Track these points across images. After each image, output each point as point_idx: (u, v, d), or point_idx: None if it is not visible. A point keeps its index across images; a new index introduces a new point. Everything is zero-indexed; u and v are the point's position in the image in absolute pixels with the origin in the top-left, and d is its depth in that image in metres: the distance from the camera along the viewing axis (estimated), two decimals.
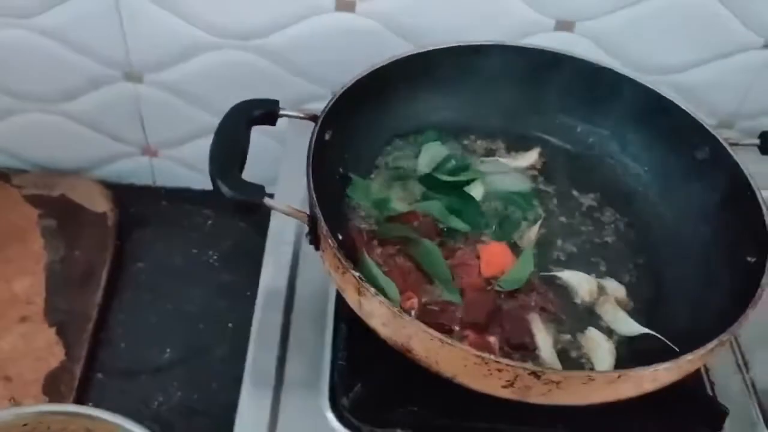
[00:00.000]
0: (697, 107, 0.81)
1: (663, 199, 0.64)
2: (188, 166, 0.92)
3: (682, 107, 0.62)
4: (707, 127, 0.61)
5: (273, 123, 0.57)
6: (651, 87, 0.64)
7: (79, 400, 0.72)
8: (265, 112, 0.56)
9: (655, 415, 0.52)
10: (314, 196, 0.50)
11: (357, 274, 0.46)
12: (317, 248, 0.51)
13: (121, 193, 0.90)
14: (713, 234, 0.59)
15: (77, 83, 0.82)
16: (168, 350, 0.78)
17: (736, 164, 0.57)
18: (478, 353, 0.42)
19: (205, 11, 0.75)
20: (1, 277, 0.79)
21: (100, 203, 0.87)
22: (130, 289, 0.83)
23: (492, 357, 0.42)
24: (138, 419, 0.70)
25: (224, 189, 0.49)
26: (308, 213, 0.50)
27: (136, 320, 0.80)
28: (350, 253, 0.54)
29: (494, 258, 0.56)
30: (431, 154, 0.64)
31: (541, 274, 0.56)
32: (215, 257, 0.88)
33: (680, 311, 0.55)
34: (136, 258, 0.86)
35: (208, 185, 0.89)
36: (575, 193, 0.65)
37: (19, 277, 0.80)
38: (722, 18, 0.75)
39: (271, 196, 0.67)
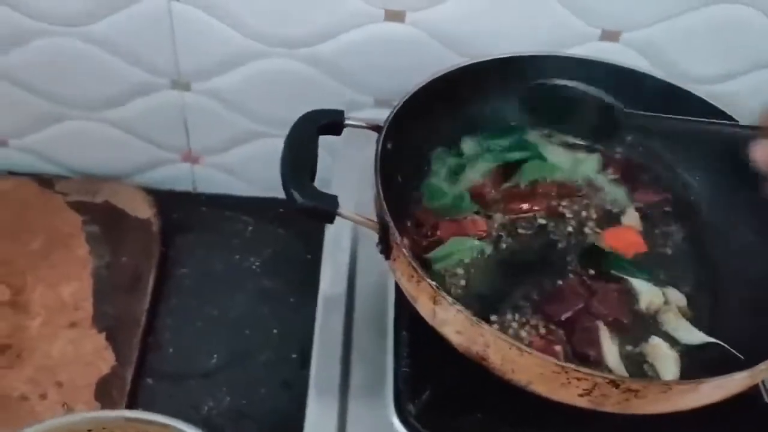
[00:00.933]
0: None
1: (714, 210, 0.64)
2: (228, 173, 0.93)
3: (736, 118, 0.63)
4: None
5: (339, 133, 0.58)
6: (701, 96, 0.65)
7: (130, 405, 0.72)
8: (332, 121, 0.56)
9: (711, 424, 0.52)
10: (384, 204, 0.50)
11: (434, 283, 0.47)
12: (387, 257, 0.52)
13: (162, 199, 0.91)
14: (762, 232, 0.59)
15: (124, 91, 0.83)
16: (215, 355, 0.79)
17: None
18: (559, 362, 0.43)
19: (254, 19, 0.76)
20: (47, 283, 0.80)
21: (143, 209, 0.88)
22: (175, 294, 0.84)
23: (572, 366, 0.43)
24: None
25: (297, 197, 0.50)
26: (379, 222, 0.51)
27: (182, 325, 0.81)
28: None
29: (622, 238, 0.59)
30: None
31: (612, 272, 0.57)
32: (257, 264, 0.88)
33: (741, 320, 0.56)
34: (180, 264, 0.87)
35: (247, 192, 0.94)
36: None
37: (65, 282, 0.80)
38: (764, 27, 0.76)
39: None
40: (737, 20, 0.75)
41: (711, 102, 0.64)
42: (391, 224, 0.49)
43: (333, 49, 0.78)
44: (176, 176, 0.93)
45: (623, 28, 0.76)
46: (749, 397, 0.57)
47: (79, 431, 0.57)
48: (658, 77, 0.66)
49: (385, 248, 0.51)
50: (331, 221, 0.50)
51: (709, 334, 0.54)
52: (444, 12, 0.75)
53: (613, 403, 0.44)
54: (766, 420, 0.56)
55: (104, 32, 0.77)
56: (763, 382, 0.60)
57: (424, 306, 0.49)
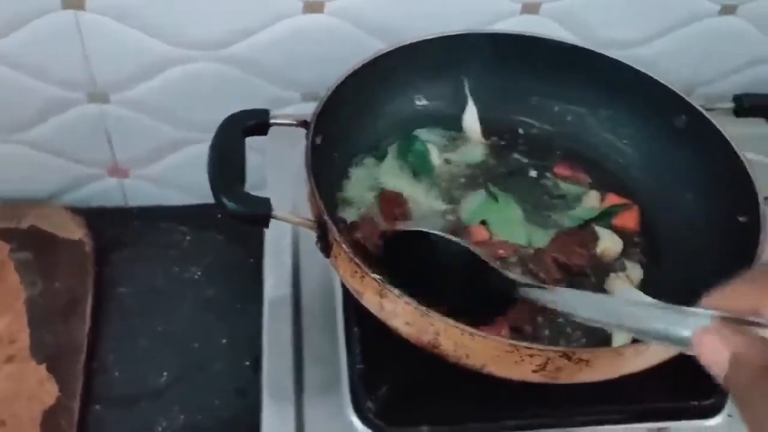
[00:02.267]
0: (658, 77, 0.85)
1: (647, 171, 0.66)
2: (159, 184, 0.90)
3: (656, 78, 0.64)
4: (682, 95, 0.62)
5: (265, 132, 0.56)
6: (622, 61, 0.65)
7: None
8: (257, 122, 0.55)
9: (664, 377, 0.53)
10: (320, 202, 0.49)
11: (378, 277, 0.46)
12: (327, 255, 0.51)
13: (93, 217, 0.87)
14: (701, 200, 0.61)
15: (38, 109, 0.79)
16: (164, 373, 0.76)
17: (716, 128, 0.59)
18: (513, 342, 0.43)
19: (170, 24, 0.73)
20: None
21: (73, 230, 0.84)
22: (116, 314, 0.81)
23: (524, 344, 0.43)
24: None
25: (228, 204, 0.48)
26: (316, 220, 0.50)
27: (127, 346, 0.78)
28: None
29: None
30: None
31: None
32: (198, 273, 0.86)
33: (682, 282, 0.57)
34: (118, 282, 0.84)
35: (181, 201, 0.91)
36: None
37: None
38: None
39: None
40: None
41: (634, 66, 0.65)
42: (329, 221, 0.48)
43: (253, 47, 0.76)
44: (105, 192, 0.90)
45: None
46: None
47: None
48: (576, 45, 0.67)
49: (325, 246, 0.50)
50: (266, 225, 0.49)
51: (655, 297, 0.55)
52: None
53: (567, 375, 0.45)
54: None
55: (8, 50, 0.73)
56: None
57: (370, 300, 0.48)
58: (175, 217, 0.91)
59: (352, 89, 0.61)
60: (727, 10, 0.80)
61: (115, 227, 0.89)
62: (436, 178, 0.64)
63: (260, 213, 0.48)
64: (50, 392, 0.71)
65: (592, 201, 0.64)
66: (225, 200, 0.48)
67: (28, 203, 0.87)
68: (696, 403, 0.56)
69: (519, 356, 0.44)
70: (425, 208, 0.61)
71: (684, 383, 0.55)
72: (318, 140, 0.57)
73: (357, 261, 0.46)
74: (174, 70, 0.77)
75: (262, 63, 0.78)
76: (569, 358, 0.43)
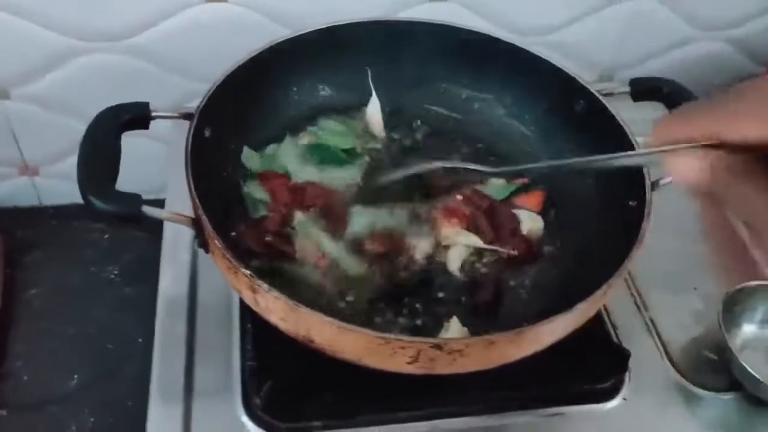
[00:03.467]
0: (578, 64, 0.85)
1: (550, 156, 0.65)
2: (73, 181, 0.87)
3: (556, 64, 0.63)
4: (581, 81, 0.62)
5: (146, 126, 0.54)
6: (524, 47, 0.65)
7: None
8: (135, 115, 0.53)
9: (561, 362, 0.53)
10: (196, 197, 0.48)
11: (248, 272, 0.45)
12: (207, 251, 0.49)
13: (5, 217, 0.85)
14: (598, 184, 0.60)
15: None
16: (75, 376, 0.74)
17: (611, 114, 0.59)
18: (380, 335, 0.42)
19: (66, 15, 0.71)
20: None
21: None
22: (26, 318, 0.78)
23: (393, 336, 0.42)
24: None
25: (97, 203, 0.46)
26: (192, 216, 0.48)
27: (36, 350, 0.76)
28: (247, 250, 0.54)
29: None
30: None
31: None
32: (115, 272, 0.84)
33: (576, 261, 0.57)
34: (30, 284, 0.81)
35: None
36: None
37: None
38: None
39: (162, 201, 0.66)
40: None
41: (536, 54, 0.64)
42: (204, 216, 0.47)
43: (156, 38, 0.74)
44: (17, 191, 0.87)
45: None
46: (594, 334, 0.58)
47: None
48: (480, 31, 0.66)
49: (202, 242, 0.48)
50: (138, 222, 0.47)
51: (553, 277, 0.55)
52: None
53: (443, 365, 0.44)
54: (611, 355, 0.57)
55: None
56: (609, 317, 0.61)
57: (246, 296, 0.47)
58: (93, 216, 0.88)
59: (245, 80, 0.60)
60: None
61: (28, 227, 0.86)
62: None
63: (129, 211, 0.46)
64: None
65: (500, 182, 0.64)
66: (92, 199, 0.46)
67: None
68: (593, 386, 0.56)
69: (391, 349, 0.43)
70: None
71: (580, 367, 0.55)
72: (207, 133, 0.56)
73: (229, 256, 0.45)
74: (74, 62, 0.74)
75: (167, 54, 0.76)
76: (440, 348, 0.42)
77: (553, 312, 0.45)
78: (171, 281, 0.61)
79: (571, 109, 0.63)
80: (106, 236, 0.87)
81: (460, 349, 0.43)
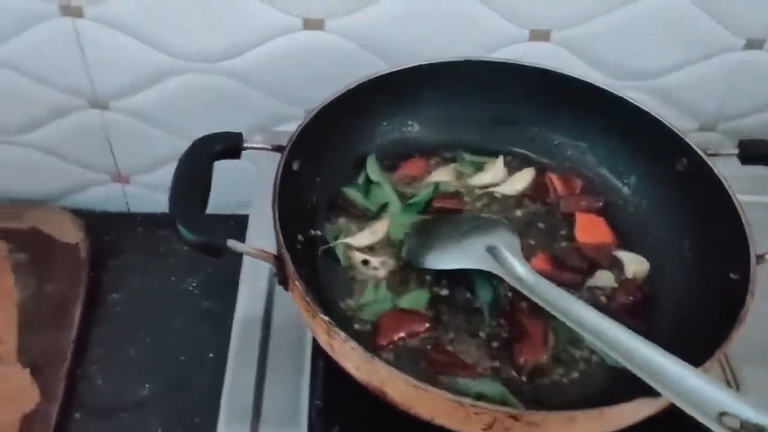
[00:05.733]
0: (679, 111, 0.81)
1: (645, 211, 0.62)
2: (162, 191, 0.89)
3: (660, 118, 0.60)
4: (685, 139, 0.59)
5: (237, 156, 0.55)
6: (627, 98, 0.62)
7: None
8: (228, 145, 0.54)
9: None
10: (280, 235, 0.48)
11: (326, 318, 0.44)
12: (286, 289, 0.49)
13: (95, 221, 0.88)
14: (697, 248, 0.57)
15: (40, 113, 0.80)
16: (147, 385, 0.76)
17: (717, 177, 0.56)
18: (455, 398, 0.41)
19: (170, 35, 0.73)
20: None
21: (71, 234, 0.85)
22: (106, 322, 0.81)
23: (469, 401, 0.41)
24: None
25: (184, 232, 0.47)
26: (275, 254, 0.48)
27: (113, 355, 0.78)
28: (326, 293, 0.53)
29: (591, 226, 0.59)
30: None
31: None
32: (194, 284, 0.86)
33: (670, 333, 0.53)
34: (112, 289, 0.84)
35: None
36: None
37: None
38: (701, 21, 0.73)
39: (243, 220, 0.66)
40: (671, 14, 0.73)
41: (638, 105, 0.61)
42: (287, 256, 0.47)
43: (253, 61, 0.75)
44: (109, 198, 0.91)
45: (552, 26, 0.74)
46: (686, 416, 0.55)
47: None
48: (580, 78, 0.63)
49: (282, 280, 0.48)
50: (219, 256, 0.48)
51: None
52: (364, 18, 0.72)
53: None
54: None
55: (10, 54, 0.74)
56: None
57: (322, 339, 0.47)
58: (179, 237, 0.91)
59: (337, 112, 0.59)
60: (753, 44, 0.76)
61: (116, 232, 0.89)
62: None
63: (213, 243, 0.47)
64: (31, 397, 0.71)
65: None
66: (180, 227, 0.47)
67: (31, 204, 0.88)
68: None
69: (465, 413, 0.41)
70: None
71: None
72: (295, 166, 0.56)
73: (308, 299, 0.45)
74: (173, 80, 0.76)
75: (262, 77, 0.77)
76: (517, 420, 0.41)
77: (640, 389, 0.42)
78: (248, 304, 0.62)
79: (671, 165, 0.60)
80: (187, 247, 0.89)
81: (537, 421, 0.41)
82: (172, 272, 0.86)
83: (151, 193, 0.90)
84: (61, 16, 0.70)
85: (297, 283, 0.45)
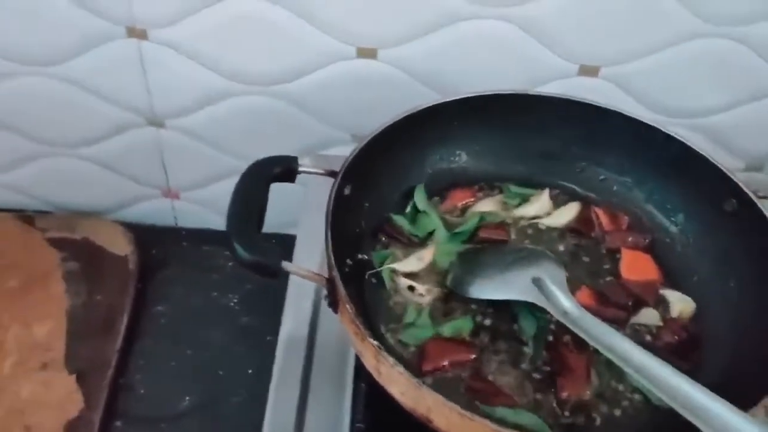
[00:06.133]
0: (726, 149, 0.81)
1: (692, 250, 0.62)
2: (209, 208, 0.92)
3: (708, 157, 0.60)
4: (734, 179, 0.59)
5: (292, 180, 0.56)
6: (675, 136, 0.62)
7: None
8: (284, 169, 0.55)
9: None
10: (332, 258, 0.49)
11: (375, 343, 0.45)
12: (335, 311, 0.50)
13: (143, 234, 0.90)
14: (744, 290, 0.57)
15: (100, 128, 0.83)
16: (187, 397, 0.78)
17: (765, 218, 0.56)
18: (499, 428, 0.41)
19: (226, 58, 0.75)
20: (22, 322, 0.80)
21: (121, 246, 0.87)
22: (150, 333, 0.83)
23: None
24: None
25: (240, 251, 0.48)
26: (326, 276, 0.49)
27: (155, 366, 0.80)
28: (370, 318, 0.54)
29: (637, 263, 0.59)
30: None
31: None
32: (235, 300, 0.87)
33: (715, 369, 0.53)
34: (157, 301, 0.86)
35: None
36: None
37: (40, 322, 0.80)
38: (751, 60, 0.73)
39: (290, 239, 0.68)
40: (722, 54, 0.73)
41: (688, 143, 0.62)
42: (338, 278, 0.48)
43: (307, 86, 0.77)
44: (158, 212, 0.93)
45: (602, 63, 0.75)
46: None
47: None
48: (629, 114, 0.64)
49: (332, 302, 0.49)
50: (274, 277, 0.49)
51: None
52: (416, 49, 0.74)
53: None
54: None
55: (75, 72, 0.77)
56: None
57: (369, 363, 0.48)
58: (221, 242, 0.92)
59: (389, 140, 0.61)
60: None
61: (163, 246, 0.92)
62: None
63: (268, 263, 0.48)
64: (76, 404, 0.74)
65: None
66: (237, 246, 0.49)
67: (84, 215, 0.91)
68: None
69: None
70: None
71: None
72: (347, 191, 0.57)
73: (357, 323, 0.46)
74: (228, 102, 0.79)
75: (314, 102, 0.79)
76: None
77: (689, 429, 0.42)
78: (293, 323, 0.63)
79: (720, 205, 0.60)
80: (231, 264, 0.91)
81: None
82: (214, 288, 0.88)
83: (198, 209, 0.92)
84: (126, 38, 0.73)
85: (348, 306, 0.47)
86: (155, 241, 0.92)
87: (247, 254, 0.48)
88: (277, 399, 0.58)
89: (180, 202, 0.91)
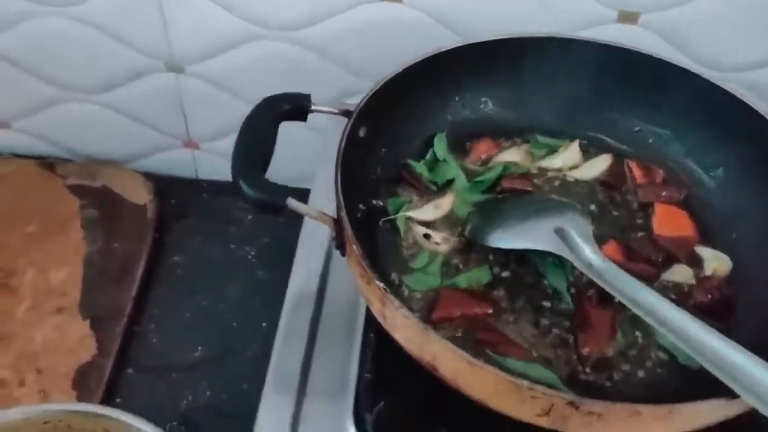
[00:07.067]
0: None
1: (729, 207, 0.58)
2: (229, 159, 0.90)
3: (758, 110, 0.56)
4: None
5: (304, 119, 0.54)
6: (723, 86, 0.58)
7: (108, 396, 0.71)
8: (295, 107, 0.53)
9: None
10: (341, 198, 0.46)
11: (381, 284, 0.42)
12: (343, 254, 0.48)
13: (163, 184, 0.89)
14: None
15: (119, 73, 0.81)
16: (200, 348, 0.76)
17: None
18: (512, 378, 0.38)
19: (248, 1, 0.73)
20: (39, 268, 0.79)
21: (140, 195, 0.86)
22: (166, 283, 0.82)
23: (525, 383, 0.38)
24: (165, 418, 0.70)
25: (245, 188, 0.46)
26: (334, 217, 0.47)
27: (169, 316, 0.79)
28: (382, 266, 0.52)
29: (672, 218, 0.56)
30: None
31: None
32: (252, 253, 0.86)
33: (748, 331, 0.49)
34: (174, 251, 0.85)
35: None
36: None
37: (57, 268, 0.79)
38: None
39: (306, 194, 0.65)
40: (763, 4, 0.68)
41: (735, 93, 0.57)
42: (346, 218, 0.45)
43: (328, 32, 0.74)
44: (179, 162, 0.92)
45: (642, 9, 0.70)
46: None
47: (36, 422, 0.56)
48: (671, 62, 0.59)
49: (340, 244, 0.47)
50: (277, 213, 0.47)
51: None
52: None
53: (575, 426, 0.39)
54: None
55: (94, 13, 0.75)
56: None
57: (375, 308, 0.45)
58: (240, 194, 0.91)
59: (408, 84, 0.58)
60: None
61: (182, 197, 0.90)
62: None
63: (274, 201, 0.46)
64: (88, 349, 0.73)
65: None
66: (242, 183, 0.46)
67: (105, 163, 0.90)
68: None
69: (521, 396, 0.39)
70: None
71: None
72: (362, 133, 0.54)
73: (364, 264, 0.43)
74: (248, 47, 0.76)
75: (336, 49, 0.76)
76: (576, 408, 0.38)
77: (719, 390, 0.39)
78: (303, 275, 0.61)
79: (764, 162, 0.56)
80: (249, 217, 0.90)
81: (599, 412, 0.38)
82: (232, 240, 0.87)
83: (219, 160, 0.90)
84: None
85: (354, 246, 0.44)
86: (175, 192, 0.90)
87: (252, 191, 0.46)
88: (283, 349, 0.56)
89: (200, 152, 0.90)
